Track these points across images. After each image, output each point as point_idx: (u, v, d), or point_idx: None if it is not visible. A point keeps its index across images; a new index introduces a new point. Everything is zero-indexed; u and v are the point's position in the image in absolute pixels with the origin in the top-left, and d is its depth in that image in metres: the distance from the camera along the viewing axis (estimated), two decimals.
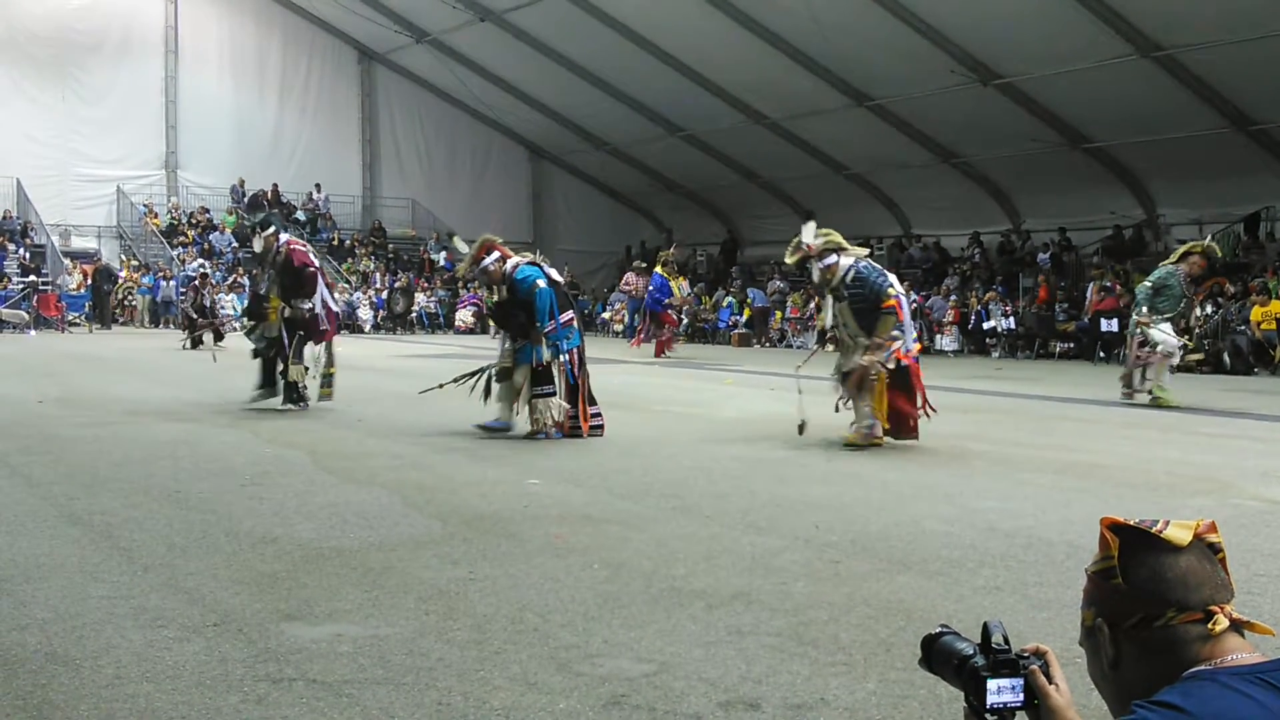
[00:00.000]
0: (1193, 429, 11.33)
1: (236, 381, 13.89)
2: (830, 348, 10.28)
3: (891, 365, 9.44)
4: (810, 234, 9.86)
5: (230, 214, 35.82)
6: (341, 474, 7.87)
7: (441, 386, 11.00)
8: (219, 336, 23.32)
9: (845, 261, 9.70)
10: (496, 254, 10.37)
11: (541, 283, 10.16)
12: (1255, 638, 1.77)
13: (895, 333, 9.55)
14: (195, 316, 23.76)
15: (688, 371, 19.29)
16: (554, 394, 10.03)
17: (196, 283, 24.96)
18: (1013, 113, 25.73)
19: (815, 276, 9.91)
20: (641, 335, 24.37)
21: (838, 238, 9.91)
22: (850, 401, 9.66)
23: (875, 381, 9.45)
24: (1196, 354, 17.67)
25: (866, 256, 10.00)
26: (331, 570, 5.21)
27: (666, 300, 23.64)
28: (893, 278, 9.84)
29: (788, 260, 10.22)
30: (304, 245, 12.49)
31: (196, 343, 22.77)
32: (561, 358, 10.10)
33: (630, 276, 31.54)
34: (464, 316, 32.17)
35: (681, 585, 5.03)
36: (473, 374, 10.49)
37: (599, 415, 10.26)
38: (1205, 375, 19.30)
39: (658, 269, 24.31)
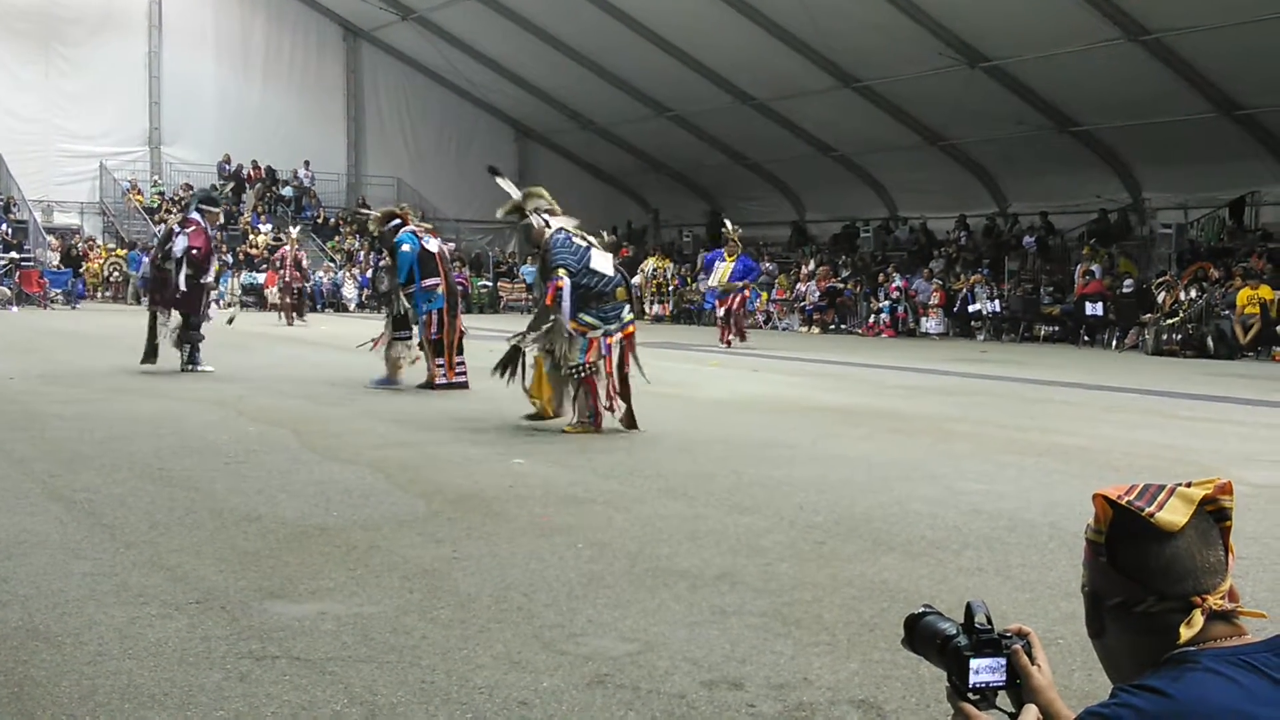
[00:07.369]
0: (1175, 413, 11.39)
1: (226, 358, 13.86)
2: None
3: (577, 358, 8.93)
4: (515, 189, 9.43)
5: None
6: (325, 452, 7.85)
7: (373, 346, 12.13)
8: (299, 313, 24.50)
9: (555, 224, 9.16)
10: (397, 221, 11.89)
11: (406, 247, 11.50)
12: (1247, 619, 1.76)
13: (592, 319, 8.92)
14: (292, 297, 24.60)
15: (672, 352, 19.27)
16: (409, 339, 11.82)
17: (291, 261, 25.07)
18: (1000, 95, 25.73)
19: (524, 233, 9.45)
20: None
21: (549, 198, 9.38)
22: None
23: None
24: None
25: (571, 229, 9.20)
26: (315, 548, 5.20)
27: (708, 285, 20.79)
28: (594, 257, 9.01)
29: (499, 214, 9.74)
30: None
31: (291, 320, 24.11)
32: (420, 315, 11.58)
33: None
34: None
35: (666, 565, 5.03)
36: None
37: (463, 366, 11.61)
38: (1188, 359, 19.41)
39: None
